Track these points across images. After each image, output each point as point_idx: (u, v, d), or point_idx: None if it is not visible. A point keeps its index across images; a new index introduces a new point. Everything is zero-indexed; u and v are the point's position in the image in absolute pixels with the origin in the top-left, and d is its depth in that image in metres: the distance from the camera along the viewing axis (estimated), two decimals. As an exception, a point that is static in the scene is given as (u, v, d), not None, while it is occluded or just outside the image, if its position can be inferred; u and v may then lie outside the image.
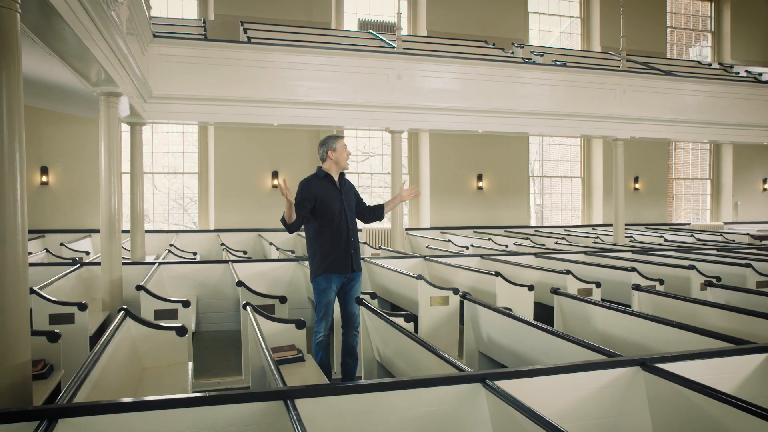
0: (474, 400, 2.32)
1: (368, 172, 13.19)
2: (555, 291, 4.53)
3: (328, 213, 4.15)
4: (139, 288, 4.73)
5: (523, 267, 6.52)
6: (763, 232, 13.21)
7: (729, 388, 2.57)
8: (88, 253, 8.52)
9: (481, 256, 7.40)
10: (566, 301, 4.47)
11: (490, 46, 12.15)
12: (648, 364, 2.53)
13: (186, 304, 4.70)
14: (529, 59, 11.07)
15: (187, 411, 2.06)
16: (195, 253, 8.91)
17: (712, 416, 2.25)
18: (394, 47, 9.75)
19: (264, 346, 2.80)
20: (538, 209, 14.38)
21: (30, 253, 8.23)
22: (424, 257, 7.28)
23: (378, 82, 8.83)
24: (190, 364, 3.77)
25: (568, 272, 5.65)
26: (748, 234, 11.78)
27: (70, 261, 7.35)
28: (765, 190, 15.21)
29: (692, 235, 11.27)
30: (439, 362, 2.73)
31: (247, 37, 9.38)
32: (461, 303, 5.35)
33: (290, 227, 4.09)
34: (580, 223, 14.30)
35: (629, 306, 4.86)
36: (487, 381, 2.29)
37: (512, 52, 11.83)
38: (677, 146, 15.15)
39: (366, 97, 8.78)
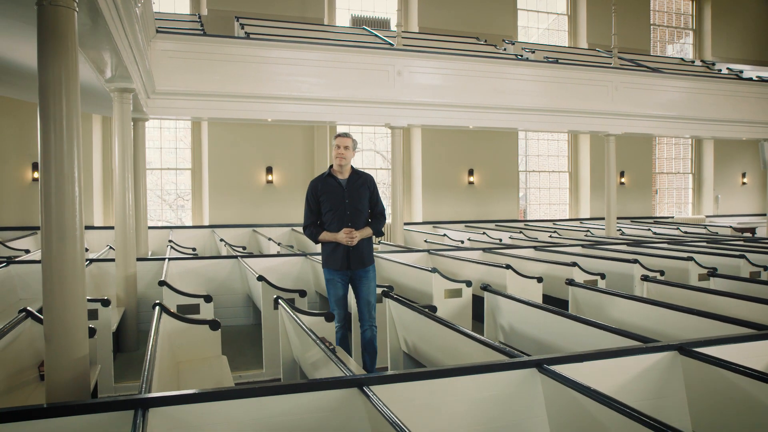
0: (530, 384, 2.45)
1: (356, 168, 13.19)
2: (570, 282, 4.69)
3: (328, 210, 4.31)
4: (161, 283, 4.77)
5: (527, 260, 6.69)
6: (743, 225, 13.68)
7: (762, 369, 2.74)
8: (86, 249, 8.45)
9: (483, 249, 7.56)
10: (581, 292, 4.63)
11: (482, 42, 12.32)
12: (685, 348, 2.69)
13: (208, 299, 4.76)
14: (521, 56, 11.25)
15: (265, 399, 2.14)
16: (194, 249, 8.90)
17: (751, 395, 2.42)
18: (391, 44, 9.84)
19: (316, 339, 2.88)
20: (522, 203, 14.59)
21: (27, 251, 8.14)
22: (428, 251, 7.40)
23: (378, 78, 8.91)
24: (224, 358, 3.84)
25: (574, 264, 5.84)
26: (730, 227, 12.19)
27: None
28: (744, 183, 15.71)
29: (678, 228, 11.62)
30: (485, 350, 2.85)
31: (245, 32, 9.38)
32: (473, 295, 5.53)
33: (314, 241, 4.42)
34: (567, 217, 14.60)
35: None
36: (544, 365, 2.42)
37: (504, 49, 12.01)
38: (660, 141, 15.54)
39: (366, 93, 8.86)
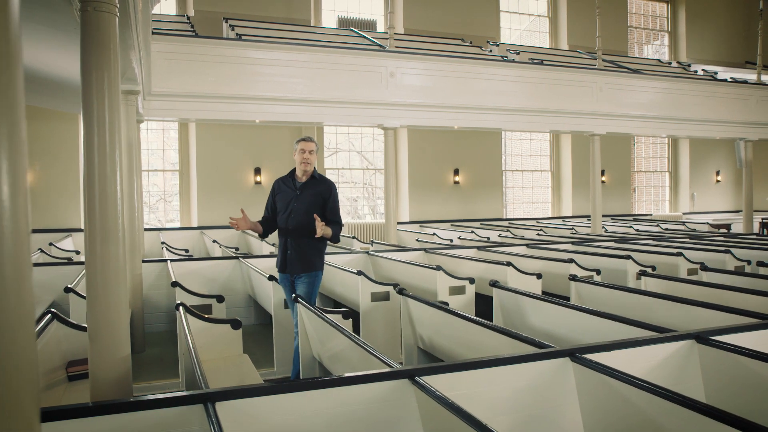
0: (563, 372, 2.59)
1: (335, 168, 13.17)
2: (573, 278, 4.86)
3: (279, 210, 4.41)
4: (174, 284, 4.79)
5: (522, 257, 6.87)
6: (719, 221, 14.17)
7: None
8: (78, 252, 8.36)
9: (478, 247, 7.72)
10: (584, 287, 4.81)
11: (467, 44, 12.51)
12: (702, 337, 2.86)
13: (220, 299, 4.80)
14: (506, 57, 11.47)
15: (322, 392, 2.24)
16: (187, 250, 8.87)
17: (766, 379, 2.59)
18: (381, 45, 9.94)
19: (349, 334, 2.98)
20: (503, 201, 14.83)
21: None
22: (424, 250, 7.52)
23: (370, 79, 9.01)
24: (247, 356, 3.90)
25: (571, 261, 6.03)
26: (707, 223, 12.62)
27: (66, 261, 7.22)
28: (718, 181, 16.25)
29: (658, 225, 11.98)
30: (513, 342, 2.98)
31: (236, 33, 9.38)
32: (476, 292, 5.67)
33: (261, 234, 4.52)
34: (549, 215, 14.90)
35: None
36: (577, 354, 2.56)
37: (490, 51, 12.23)
38: (638, 140, 15.97)
39: (358, 94, 8.95)
